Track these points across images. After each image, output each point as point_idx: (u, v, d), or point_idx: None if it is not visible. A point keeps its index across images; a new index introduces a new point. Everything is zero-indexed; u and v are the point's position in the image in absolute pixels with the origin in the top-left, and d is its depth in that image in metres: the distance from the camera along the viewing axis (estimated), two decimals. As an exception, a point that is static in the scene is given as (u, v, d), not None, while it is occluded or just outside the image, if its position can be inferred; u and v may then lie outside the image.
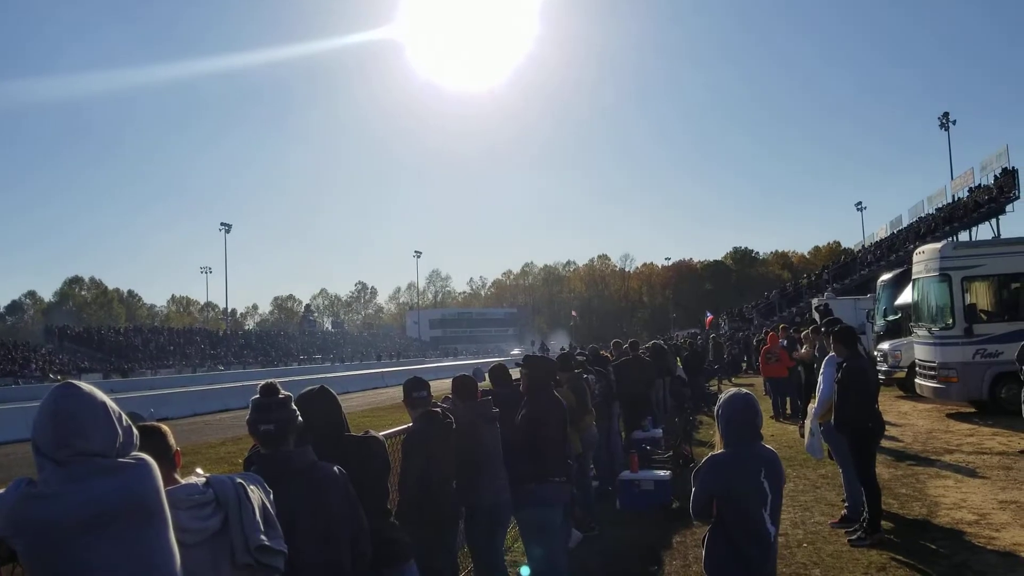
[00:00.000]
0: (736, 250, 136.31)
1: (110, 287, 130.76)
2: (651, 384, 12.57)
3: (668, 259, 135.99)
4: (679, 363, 20.05)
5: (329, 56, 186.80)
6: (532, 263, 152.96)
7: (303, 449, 3.17)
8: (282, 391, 3.19)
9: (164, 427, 2.65)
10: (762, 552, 3.81)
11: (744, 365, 33.44)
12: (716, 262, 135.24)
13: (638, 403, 11.56)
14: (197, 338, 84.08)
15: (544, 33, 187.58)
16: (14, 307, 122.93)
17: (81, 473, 2.12)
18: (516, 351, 63.30)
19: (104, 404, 2.24)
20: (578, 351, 14.72)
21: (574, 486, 6.91)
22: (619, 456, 10.24)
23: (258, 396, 3.17)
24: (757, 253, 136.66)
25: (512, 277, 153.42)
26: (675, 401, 16.98)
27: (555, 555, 5.92)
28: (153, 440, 2.52)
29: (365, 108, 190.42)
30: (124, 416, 2.31)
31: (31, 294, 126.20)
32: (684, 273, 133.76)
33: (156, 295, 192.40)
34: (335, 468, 3.22)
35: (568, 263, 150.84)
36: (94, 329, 79.31)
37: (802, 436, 8.79)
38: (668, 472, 9.42)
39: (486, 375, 7.18)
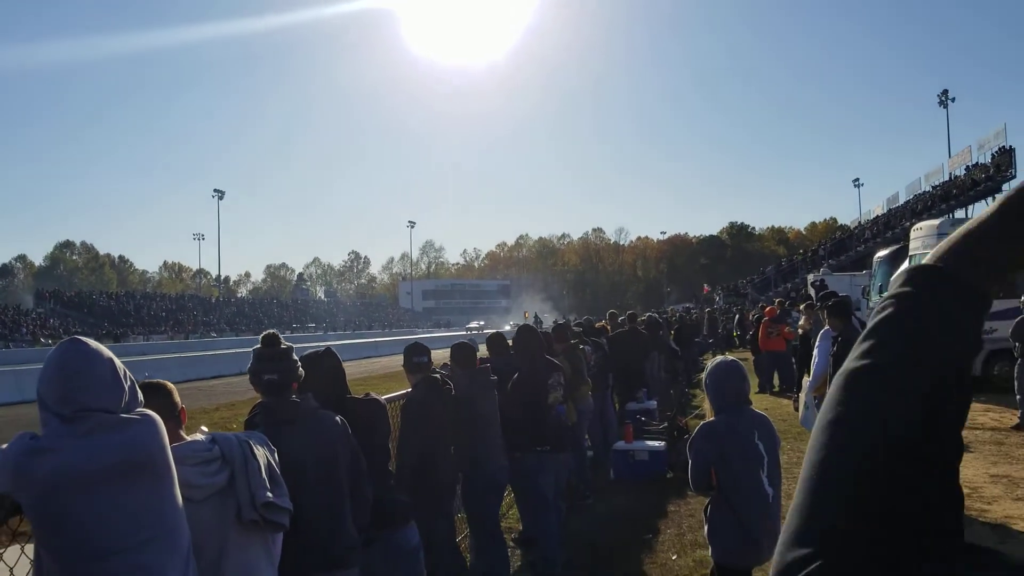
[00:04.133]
0: (732, 225, 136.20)
1: (101, 252, 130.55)
2: (647, 356, 12.57)
3: (663, 233, 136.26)
4: (672, 336, 20.10)
5: (326, 24, 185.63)
6: (527, 235, 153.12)
7: (305, 396, 3.21)
8: (283, 342, 3.21)
9: (170, 385, 2.67)
10: (763, 515, 3.83)
11: (736, 340, 33.52)
12: (712, 237, 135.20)
13: (633, 375, 11.57)
14: (189, 304, 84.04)
15: (540, 3, 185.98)
16: (4, 271, 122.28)
17: (86, 428, 2.12)
18: (504, 326, 64.15)
19: (111, 360, 2.25)
20: (572, 322, 14.73)
21: (569, 456, 6.94)
22: (613, 427, 10.27)
23: (260, 346, 3.20)
24: (753, 228, 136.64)
25: (506, 249, 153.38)
26: (668, 373, 17.04)
27: (548, 523, 5.96)
28: (159, 397, 2.55)
29: (362, 77, 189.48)
30: (129, 373, 2.30)
31: (21, 258, 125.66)
32: (679, 247, 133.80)
33: (148, 261, 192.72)
34: (337, 417, 3.26)
35: (563, 236, 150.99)
36: (86, 293, 79.12)
37: (796, 409, 8.83)
38: (663, 443, 9.45)
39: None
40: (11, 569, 2.28)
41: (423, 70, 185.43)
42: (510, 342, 6.77)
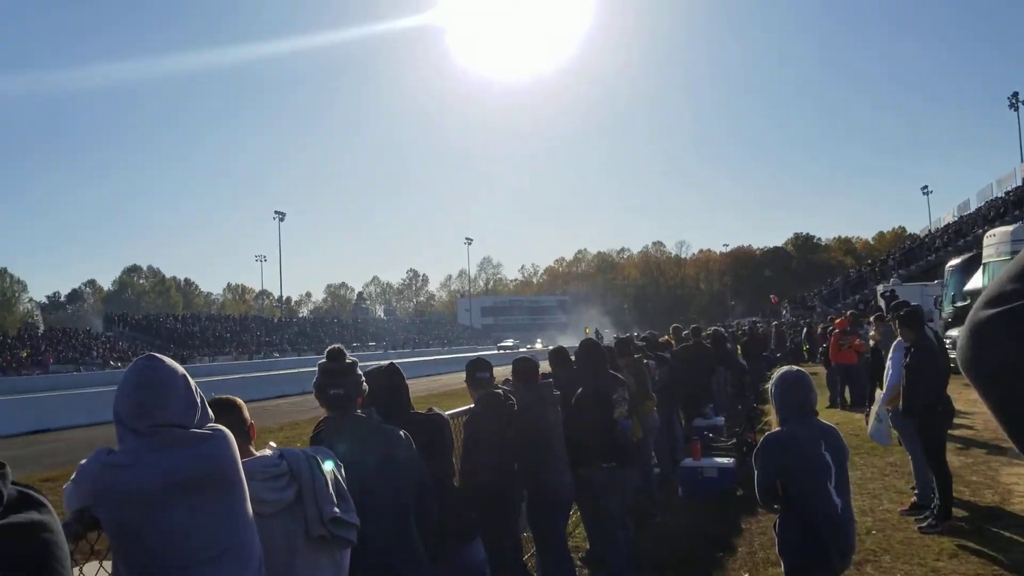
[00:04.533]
0: (797, 236, 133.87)
1: (167, 276, 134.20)
2: (713, 371, 12.37)
3: (726, 245, 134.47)
4: (739, 351, 19.76)
5: (380, 41, 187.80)
6: (585, 250, 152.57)
7: (368, 412, 3.23)
8: (348, 356, 3.23)
9: (240, 401, 2.70)
10: (833, 527, 3.71)
11: (806, 353, 32.78)
12: (776, 248, 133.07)
13: (699, 390, 11.39)
14: (252, 325, 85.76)
15: (590, 12, 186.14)
16: (74, 296, 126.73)
17: (160, 443, 2.15)
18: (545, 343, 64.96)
19: (184, 377, 2.29)
20: (636, 336, 14.55)
21: (635, 472, 6.82)
22: (680, 443, 10.10)
23: (326, 361, 3.22)
24: (819, 239, 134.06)
25: (564, 264, 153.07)
26: (736, 388, 16.73)
27: (615, 541, 5.85)
28: (230, 413, 2.58)
29: (415, 94, 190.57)
30: (199, 390, 2.33)
31: (91, 283, 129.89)
32: (743, 260, 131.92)
33: (212, 283, 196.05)
34: (401, 432, 3.26)
35: (622, 250, 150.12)
36: (152, 317, 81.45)
37: (867, 423, 8.55)
38: (731, 459, 9.25)
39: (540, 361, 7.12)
40: None
41: (476, 85, 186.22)
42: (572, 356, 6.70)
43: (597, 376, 6.08)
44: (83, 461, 2.19)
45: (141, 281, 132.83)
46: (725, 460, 9.22)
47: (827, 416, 13.34)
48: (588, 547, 6.52)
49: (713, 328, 18.06)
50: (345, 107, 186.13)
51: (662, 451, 9.54)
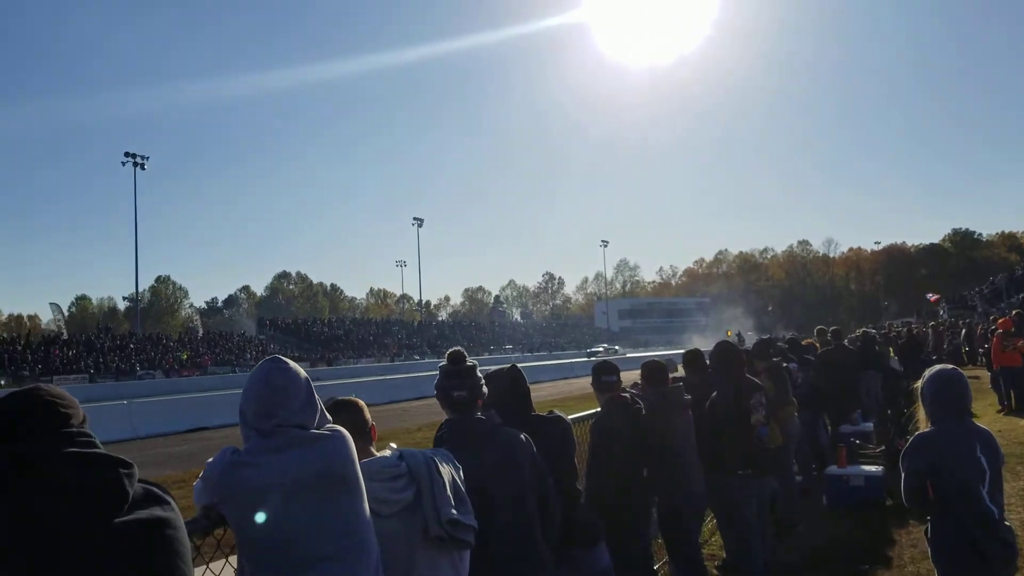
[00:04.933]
0: (956, 232, 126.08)
1: (315, 281, 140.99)
2: (861, 375, 11.75)
3: (878, 243, 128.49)
4: (892, 352, 18.72)
5: (511, 45, 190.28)
6: (726, 250, 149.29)
7: (490, 414, 3.23)
8: (468, 359, 3.25)
9: (361, 402, 2.74)
10: (991, 531, 3.42)
11: (966, 356, 30.69)
12: (933, 245, 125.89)
13: (845, 395, 10.83)
14: (394, 328, 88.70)
15: (731, 7, 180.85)
16: (231, 301, 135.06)
17: (283, 443, 2.21)
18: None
19: (307, 379, 2.35)
20: (781, 339, 13.99)
21: (774, 480, 6.55)
22: (826, 450, 9.64)
23: (447, 363, 3.25)
24: (980, 235, 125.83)
25: (705, 265, 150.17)
26: (888, 393, 15.81)
27: (752, 550, 5.63)
28: (351, 413, 2.64)
29: (548, 96, 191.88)
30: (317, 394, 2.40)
31: (245, 288, 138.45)
32: (896, 258, 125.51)
33: (356, 288, 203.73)
34: (522, 434, 3.25)
35: (765, 250, 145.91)
36: (301, 321, 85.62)
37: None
38: (880, 467, 8.73)
39: (678, 366, 6.93)
40: None
41: (611, 86, 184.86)
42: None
43: (733, 380, 5.87)
44: (210, 459, 2.28)
45: (291, 287, 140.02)
46: (873, 468, 8.72)
47: (991, 422, 12.42)
48: (724, 556, 6.31)
49: (862, 330, 17.14)
50: (480, 112, 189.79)
51: (805, 458, 9.13)
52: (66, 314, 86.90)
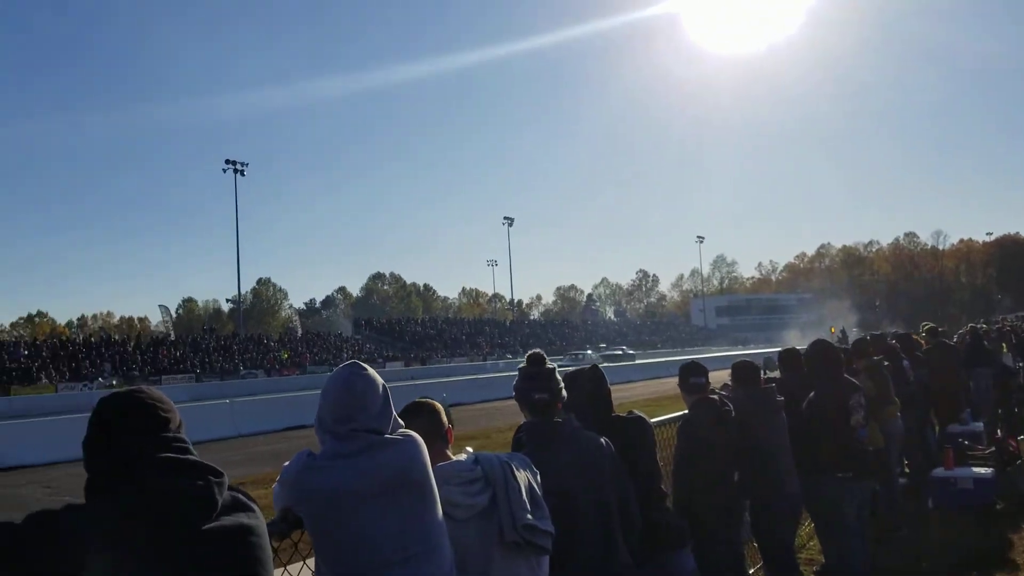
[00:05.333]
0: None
1: (408, 281, 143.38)
2: (970, 372, 11.21)
3: (990, 234, 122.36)
4: (1004, 349, 17.77)
5: (601, 37, 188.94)
6: (828, 244, 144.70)
7: (568, 417, 3.20)
8: (548, 361, 3.24)
9: (438, 404, 2.74)
10: None
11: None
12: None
13: (953, 393, 10.35)
14: (486, 328, 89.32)
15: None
16: (328, 301, 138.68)
17: (357, 447, 2.24)
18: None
19: (383, 385, 2.37)
20: (889, 336, 13.47)
21: (875, 482, 6.31)
22: (932, 451, 9.24)
23: (527, 366, 3.25)
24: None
25: (806, 260, 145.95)
26: (1000, 392, 15.03)
27: (852, 554, 5.44)
28: (429, 415, 2.65)
29: (638, 89, 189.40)
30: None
31: (341, 289, 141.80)
32: (1010, 249, 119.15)
33: (449, 288, 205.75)
34: (601, 438, 3.23)
35: (870, 243, 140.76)
36: (395, 321, 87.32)
37: None
38: (990, 469, 8.31)
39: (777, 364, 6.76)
40: None
41: (704, 77, 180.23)
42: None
43: (830, 380, 5.68)
44: (287, 463, 2.33)
45: (385, 287, 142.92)
46: (982, 470, 8.29)
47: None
48: (823, 560, 6.12)
49: (969, 326, 16.34)
50: (570, 108, 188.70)
51: (911, 460, 8.77)
52: (174, 316, 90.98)
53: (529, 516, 2.51)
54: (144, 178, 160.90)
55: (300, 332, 79.28)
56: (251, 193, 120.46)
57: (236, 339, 65.11)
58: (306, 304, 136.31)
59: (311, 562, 2.35)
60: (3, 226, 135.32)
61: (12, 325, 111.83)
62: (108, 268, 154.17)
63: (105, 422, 1.79)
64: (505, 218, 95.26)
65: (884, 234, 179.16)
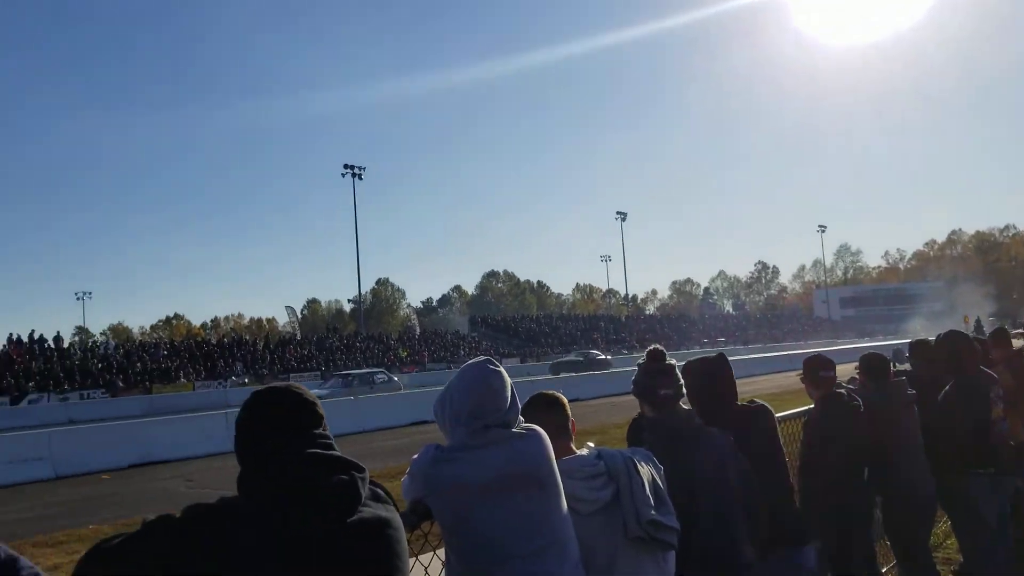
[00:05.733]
0: None
1: (522, 279, 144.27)
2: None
3: None
4: None
5: (711, 23, 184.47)
6: (960, 230, 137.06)
7: (690, 412, 3.20)
8: (668, 357, 3.24)
9: (563, 398, 2.76)
10: None
11: None
12: None
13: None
14: (601, 324, 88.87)
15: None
16: (444, 300, 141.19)
17: (485, 440, 2.30)
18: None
19: (510, 381, 2.42)
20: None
21: (1018, 478, 5.95)
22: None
23: (649, 361, 3.25)
24: None
25: (936, 247, 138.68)
26: None
27: (993, 554, 5.16)
28: (555, 410, 2.67)
29: (751, 75, 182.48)
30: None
31: (457, 288, 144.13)
32: None
33: (562, 284, 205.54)
34: (725, 432, 3.21)
35: (1006, 227, 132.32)
36: (510, 318, 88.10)
37: None
38: None
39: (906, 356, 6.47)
40: (426, 569, 2.50)
41: (820, 56, 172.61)
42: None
43: (967, 372, 5.39)
44: (415, 456, 2.40)
45: (499, 285, 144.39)
46: None
47: None
48: (961, 560, 5.82)
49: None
50: (680, 98, 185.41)
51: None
52: (299, 316, 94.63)
53: (653, 512, 2.50)
54: (268, 185, 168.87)
55: (418, 331, 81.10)
56: (368, 194, 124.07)
57: (358, 338, 67.14)
58: (423, 303, 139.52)
59: (441, 552, 2.41)
60: (144, 238, 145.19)
61: (152, 327, 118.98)
62: (238, 272, 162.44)
63: (260, 416, 1.89)
64: (618, 213, 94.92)
65: (1021, 219, 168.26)
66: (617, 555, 2.49)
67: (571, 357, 51.53)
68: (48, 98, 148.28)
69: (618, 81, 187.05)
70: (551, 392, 2.78)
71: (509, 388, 2.39)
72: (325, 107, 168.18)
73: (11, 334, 50.65)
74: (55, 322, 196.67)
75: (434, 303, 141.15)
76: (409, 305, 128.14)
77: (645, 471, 2.59)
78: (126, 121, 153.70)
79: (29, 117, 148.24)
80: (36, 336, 50.69)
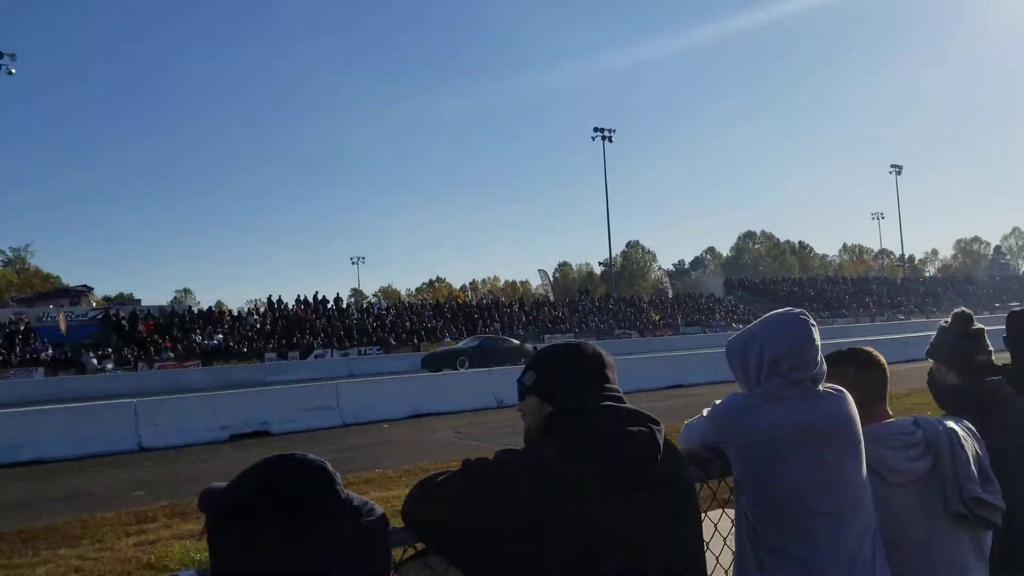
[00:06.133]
0: None
1: (781, 239, 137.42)
2: None
3: None
4: None
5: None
6: None
7: (998, 380, 2.92)
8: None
9: (883, 361, 2.60)
10: None
11: None
12: None
13: None
14: (873, 287, 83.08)
15: None
16: (696, 262, 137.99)
17: (795, 393, 2.20)
18: None
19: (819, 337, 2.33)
20: None
21: None
22: None
23: (960, 325, 3.02)
24: None
25: None
26: None
27: None
28: (874, 370, 2.53)
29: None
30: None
31: (710, 250, 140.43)
32: None
33: (827, 245, 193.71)
34: None
35: None
36: (769, 280, 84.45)
37: None
38: None
39: None
40: (715, 525, 2.44)
41: None
42: None
43: None
44: (717, 401, 2.33)
45: (756, 246, 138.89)
46: None
47: None
48: None
49: None
50: (961, 39, 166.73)
51: None
52: (551, 279, 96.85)
53: (978, 488, 2.32)
54: (523, 150, 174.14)
55: (671, 293, 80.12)
56: (618, 157, 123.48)
57: (610, 300, 67.64)
58: (675, 265, 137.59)
59: (730, 511, 2.37)
60: (410, 208, 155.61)
61: (417, 290, 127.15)
62: (493, 235, 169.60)
63: (557, 370, 1.95)
64: (892, 166, 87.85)
65: None
66: (934, 530, 2.33)
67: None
68: (330, 83, 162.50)
69: (894, 25, 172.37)
70: (869, 350, 2.59)
71: (820, 344, 2.27)
72: (574, 73, 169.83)
73: (299, 295, 56.53)
74: (334, 284, 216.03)
75: (686, 265, 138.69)
76: (660, 268, 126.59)
77: (969, 444, 2.39)
78: (393, 101, 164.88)
79: (314, 97, 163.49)
80: (319, 297, 56.19)
